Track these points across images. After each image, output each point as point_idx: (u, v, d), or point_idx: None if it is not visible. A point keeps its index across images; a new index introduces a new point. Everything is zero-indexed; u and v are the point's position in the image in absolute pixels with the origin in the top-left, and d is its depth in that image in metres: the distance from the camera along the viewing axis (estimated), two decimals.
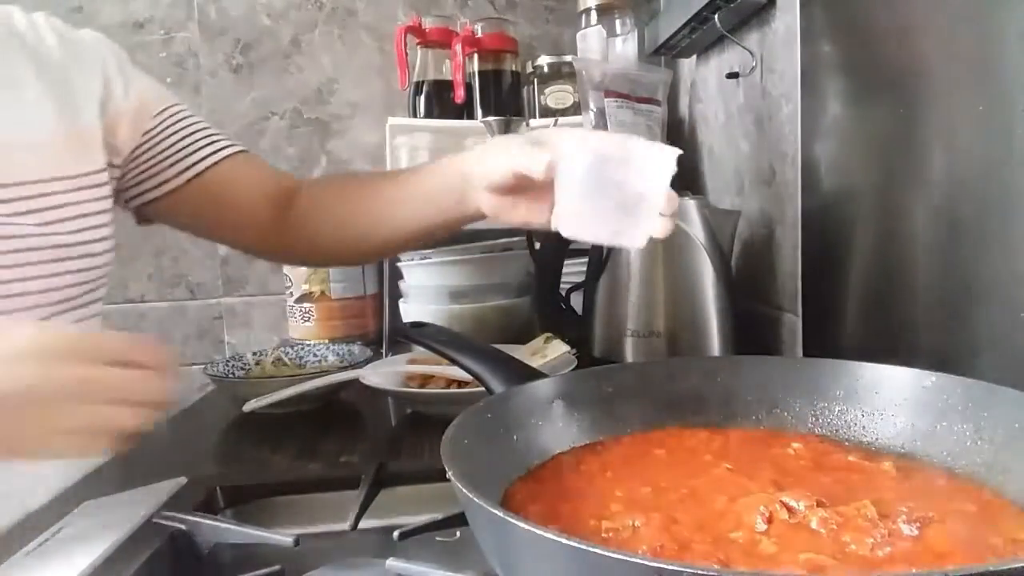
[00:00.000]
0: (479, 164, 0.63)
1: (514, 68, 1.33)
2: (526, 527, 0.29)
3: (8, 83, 0.64)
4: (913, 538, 0.35)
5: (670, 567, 0.26)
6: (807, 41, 0.73)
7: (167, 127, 0.74)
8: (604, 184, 0.53)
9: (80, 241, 0.66)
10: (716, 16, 0.88)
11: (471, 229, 0.74)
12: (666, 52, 1.11)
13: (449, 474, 0.35)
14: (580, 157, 0.53)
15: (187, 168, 0.74)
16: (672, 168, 0.53)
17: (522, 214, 0.61)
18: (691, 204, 0.81)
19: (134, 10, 1.37)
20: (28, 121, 0.64)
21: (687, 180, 1.17)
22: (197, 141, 0.75)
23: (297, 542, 0.44)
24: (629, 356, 0.82)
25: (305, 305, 1.20)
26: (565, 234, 0.56)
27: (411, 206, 0.71)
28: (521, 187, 0.59)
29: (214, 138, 0.76)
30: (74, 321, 0.66)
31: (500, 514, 0.31)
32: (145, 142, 0.73)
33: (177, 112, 0.75)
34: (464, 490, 0.33)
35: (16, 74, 0.65)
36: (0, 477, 0.55)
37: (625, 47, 1.12)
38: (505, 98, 1.31)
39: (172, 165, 0.73)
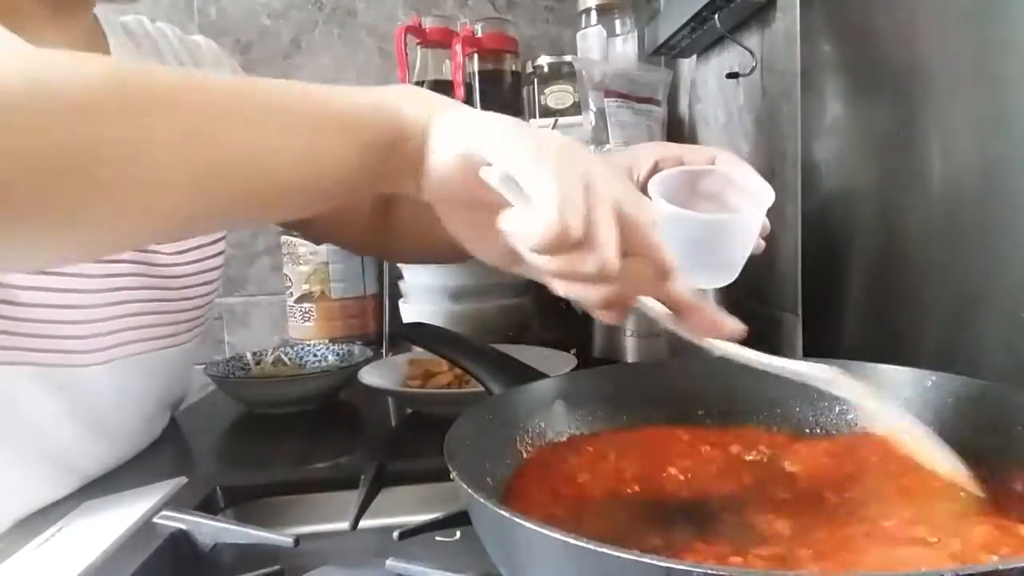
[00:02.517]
0: None
1: (514, 68, 1.33)
2: (533, 527, 0.29)
3: None
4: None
5: (678, 566, 0.26)
6: (807, 41, 0.73)
7: None
8: (699, 250, 0.54)
9: (191, 272, 0.69)
10: (716, 16, 0.88)
11: None
12: (666, 52, 1.11)
13: (453, 474, 0.35)
14: (675, 228, 0.54)
15: None
16: (763, 220, 0.54)
17: None
18: None
19: (134, 10, 1.37)
20: None
21: None
22: None
23: (297, 542, 0.44)
24: (629, 356, 0.82)
25: (305, 305, 1.20)
26: None
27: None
28: None
29: None
30: (169, 358, 0.68)
31: (506, 514, 0.31)
32: None
33: None
34: (468, 489, 0.33)
35: None
36: (0, 477, 0.55)
37: (625, 47, 1.12)
38: (505, 98, 1.31)
39: None
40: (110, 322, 0.61)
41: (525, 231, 0.34)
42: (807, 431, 0.51)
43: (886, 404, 0.43)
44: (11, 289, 0.55)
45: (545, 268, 0.35)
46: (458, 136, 0.38)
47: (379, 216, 0.76)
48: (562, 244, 0.33)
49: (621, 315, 0.39)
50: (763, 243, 0.58)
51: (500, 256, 0.40)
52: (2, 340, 0.55)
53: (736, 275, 0.56)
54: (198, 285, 0.70)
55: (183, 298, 0.68)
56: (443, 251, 0.79)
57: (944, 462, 0.40)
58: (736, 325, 0.41)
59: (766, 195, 0.53)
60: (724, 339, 0.41)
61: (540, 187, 0.34)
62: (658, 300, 0.40)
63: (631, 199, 0.37)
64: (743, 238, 0.54)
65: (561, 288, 0.38)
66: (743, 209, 0.56)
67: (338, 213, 0.76)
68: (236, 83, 0.37)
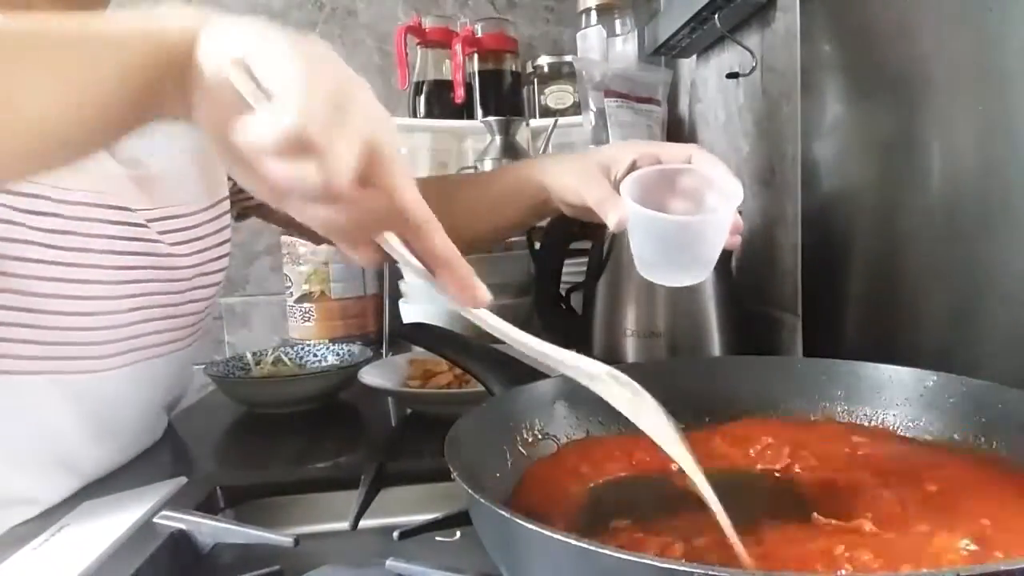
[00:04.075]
0: (557, 181, 0.68)
1: (514, 68, 1.33)
2: (533, 527, 0.29)
3: None
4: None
5: (680, 568, 0.26)
6: (807, 41, 0.73)
7: None
8: (671, 249, 0.55)
9: (199, 273, 0.68)
10: (716, 16, 0.88)
11: None
12: (666, 52, 1.11)
13: (453, 474, 0.35)
14: (646, 228, 0.55)
15: None
16: (735, 216, 0.55)
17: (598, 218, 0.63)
18: None
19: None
20: (163, 147, 0.65)
21: None
22: None
23: (297, 542, 0.44)
24: (629, 356, 0.82)
25: (305, 305, 1.20)
26: (644, 275, 0.58)
27: (493, 210, 0.76)
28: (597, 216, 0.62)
29: None
30: (173, 361, 0.68)
31: (506, 514, 0.31)
32: None
33: None
34: (469, 490, 0.33)
35: None
36: (0, 477, 0.55)
37: (625, 47, 1.13)
38: (505, 98, 1.31)
39: None
40: (126, 328, 0.61)
41: (257, 132, 0.32)
42: (807, 432, 0.50)
43: (645, 414, 0.41)
44: (34, 297, 0.54)
45: (272, 176, 0.33)
46: (222, 43, 0.35)
47: None
48: (294, 145, 0.31)
49: (368, 254, 0.37)
50: (738, 239, 0.59)
51: (256, 182, 0.36)
52: (26, 350, 0.54)
53: (708, 273, 0.56)
54: (204, 287, 0.70)
55: (189, 300, 0.68)
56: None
57: (711, 502, 0.37)
58: (483, 295, 0.38)
59: (737, 194, 0.54)
60: (472, 307, 0.39)
61: (285, 88, 0.32)
62: (413, 250, 0.37)
63: (386, 129, 0.35)
64: (713, 237, 0.54)
65: (297, 210, 0.35)
66: (717, 208, 0.56)
67: None
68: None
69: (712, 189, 0.57)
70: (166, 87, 0.37)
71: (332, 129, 0.32)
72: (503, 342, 0.41)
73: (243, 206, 0.79)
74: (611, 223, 0.60)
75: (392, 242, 0.37)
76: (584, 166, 0.66)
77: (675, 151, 0.62)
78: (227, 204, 0.73)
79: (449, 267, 0.38)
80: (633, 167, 0.61)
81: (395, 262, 0.38)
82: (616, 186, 0.60)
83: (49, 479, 0.58)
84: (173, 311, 0.67)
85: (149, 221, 0.63)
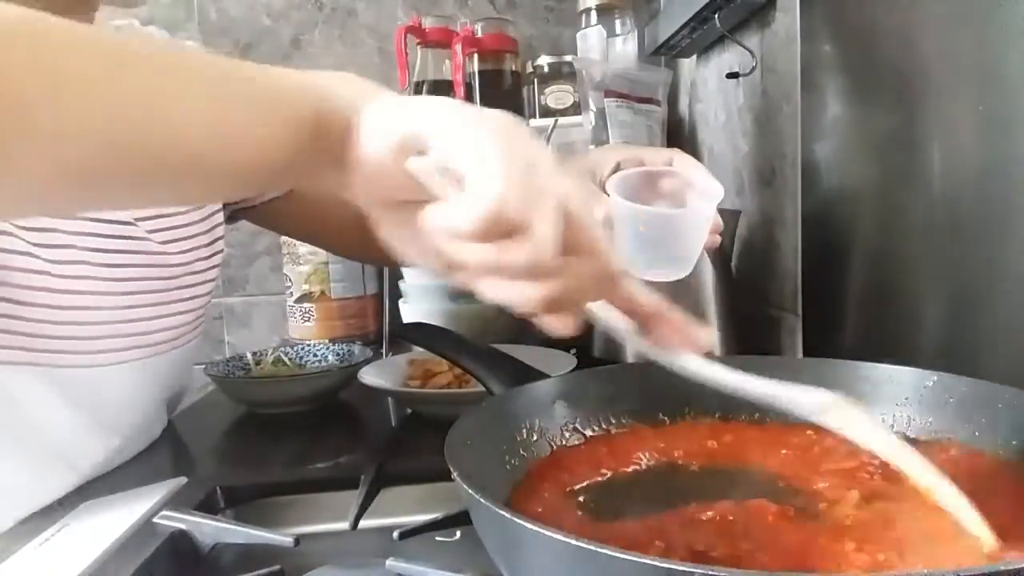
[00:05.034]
0: None
1: (514, 68, 1.33)
2: (534, 528, 0.29)
3: None
4: None
5: (679, 567, 0.26)
6: (807, 41, 0.73)
7: None
8: (654, 244, 0.56)
9: (189, 272, 0.68)
10: (716, 16, 0.88)
11: None
12: (666, 52, 1.11)
13: (454, 475, 0.35)
14: (630, 222, 0.55)
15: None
16: (714, 215, 0.56)
17: None
18: None
19: (132, 13, 1.37)
20: None
21: None
22: None
23: (297, 542, 0.44)
24: (629, 356, 0.82)
25: (305, 305, 1.20)
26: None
27: None
28: None
29: None
30: (170, 359, 0.68)
31: (506, 514, 0.31)
32: None
33: None
34: (469, 490, 0.33)
35: None
36: (1, 477, 0.55)
37: (625, 47, 1.13)
38: (505, 98, 1.31)
39: None
40: (116, 324, 0.62)
41: (453, 219, 0.31)
42: (812, 432, 0.50)
43: (886, 439, 0.38)
44: (14, 288, 0.55)
45: (472, 260, 0.32)
46: (391, 121, 0.34)
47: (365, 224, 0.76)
48: (494, 227, 0.30)
49: (569, 322, 0.35)
50: (717, 238, 0.59)
51: (435, 260, 0.36)
52: (12, 340, 0.54)
53: (690, 269, 0.57)
54: (196, 285, 0.70)
55: (180, 299, 0.68)
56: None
57: (951, 503, 0.35)
58: (707, 336, 0.37)
59: (716, 193, 0.55)
60: (696, 352, 0.37)
61: (479, 167, 0.31)
62: (614, 306, 0.36)
63: (579, 194, 0.34)
64: (694, 232, 0.56)
65: (491, 290, 0.33)
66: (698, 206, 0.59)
67: (324, 225, 0.77)
68: (156, 44, 0.35)
69: (693, 190, 0.58)
70: (322, 152, 0.35)
71: (531, 204, 0.31)
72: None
73: (234, 208, 0.79)
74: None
75: (599, 312, 0.37)
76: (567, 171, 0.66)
77: (657, 154, 0.63)
78: (218, 204, 0.73)
79: (662, 316, 0.37)
80: (617, 169, 0.62)
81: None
82: (601, 186, 0.61)
83: (40, 472, 0.57)
84: (166, 309, 0.67)
85: (137, 220, 0.64)
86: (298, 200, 0.76)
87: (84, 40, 0.31)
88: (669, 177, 0.59)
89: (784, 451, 0.47)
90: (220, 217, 0.73)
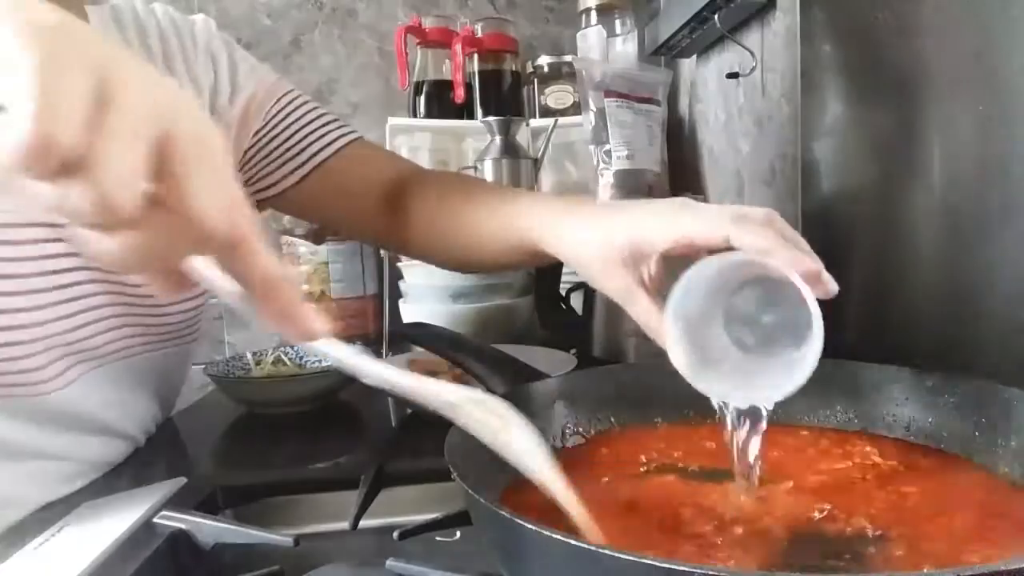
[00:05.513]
0: (569, 249, 0.52)
1: (514, 68, 1.33)
2: (533, 527, 0.29)
3: None
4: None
5: (679, 567, 0.26)
6: (807, 41, 0.73)
7: (275, 124, 0.71)
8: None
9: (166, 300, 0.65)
10: (716, 16, 0.88)
11: None
12: (666, 52, 1.11)
13: (454, 475, 0.35)
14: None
15: (298, 167, 0.71)
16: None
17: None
18: None
19: None
20: None
21: (687, 180, 1.17)
22: (307, 137, 0.71)
23: (297, 542, 0.44)
24: (629, 356, 0.82)
25: None
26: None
27: (482, 246, 0.63)
28: None
29: (324, 131, 0.72)
30: (156, 361, 0.66)
31: (506, 514, 0.31)
32: (256, 143, 0.71)
33: (286, 104, 0.72)
34: (469, 490, 0.33)
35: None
36: (1, 477, 0.55)
37: (625, 47, 1.13)
38: (505, 98, 1.31)
39: (281, 166, 0.71)
40: (73, 345, 0.58)
41: None
42: (807, 432, 0.51)
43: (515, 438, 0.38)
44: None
45: (38, 199, 0.25)
46: None
47: (389, 206, 0.72)
48: (41, 157, 0.23)
49: (169, 282, 0.30)
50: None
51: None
52: None
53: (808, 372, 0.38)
54: (175, 302, 0.66)
55: (159, 314, 0.65)
56: (452, 262, 0.71)
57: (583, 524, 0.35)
58: (322, 325, 0.32)
59: (817, 317, 0.37)
60: (301, 341, 0.33)
61: (14, 87, 0.23)
62: (230, 273, 0.30)
63: (190, 125, 0.27)
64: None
65: (82, 242, 0.26)
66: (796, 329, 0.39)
67: (343, 209, 0.74)
68: None
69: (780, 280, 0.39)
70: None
71: (95, 131, 0.24)
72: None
73: (257, 198, 0.74)
74: (642, 321, 0.47)
75: (201, 269, 0.31)
76: (604, 242, 0.48)
77: (712, 226, 0.44)
78: None
79: (269, 293, 0.30)
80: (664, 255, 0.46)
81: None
82: (647, 285, 0.47)
83: (31, 482, 0.57)
84: (136, 320, 0.63)
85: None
86: (321, 185, 0.72)
87: None
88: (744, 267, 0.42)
89: (779, 452, 0.47)
90: None
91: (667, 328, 0.42)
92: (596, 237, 0.49)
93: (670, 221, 0.46)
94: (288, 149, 0.71)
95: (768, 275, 0.40)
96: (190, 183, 0.26)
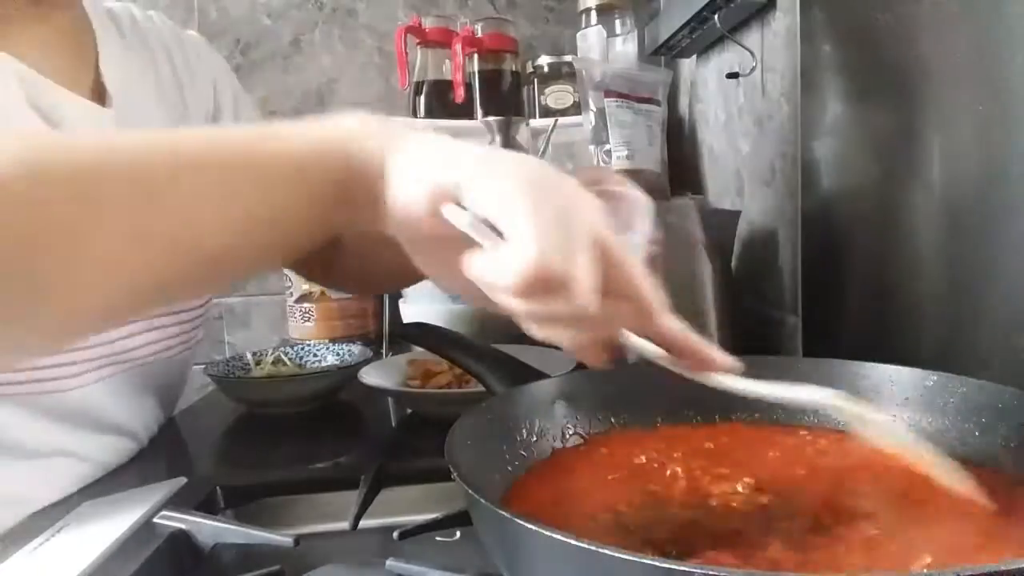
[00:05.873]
0: None
1: (514, 68, 1.33)
2: (534, 528, 0.29)
3: (129, 86, 0.63)
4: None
5: (679, 568, 0.26)
6: (807, 41, 0.73)
7: None
8: None
9: None
10: (716, 16, 0.88)
11: None
12: (666, 52, 1.11)
13: (453, 474, 0.35)
14: None
15: None
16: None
17: None
18: (691, 204, 0.81)
19: None
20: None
21: (687, 180, 1.16)
22: None
23: (297, 542, 0.44)
24: (629, 356, 0.82)
25: (305, 305, 1.20)
26: None
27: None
28: None
29: None
30: (166, 365, 0.68)
31: (506, 514, 0.31)
32: None
33: None
34: (469, 490, 0.33)
35: (133, 78, 0.64)
36: (1, 477, 0.55)
37: (625, 47, 1.12)
38: (505, 98, 1.31)
39: None
40: (101, 347, 0.60)
41: (496, 273, 0.31)
42: (806, 432, 0.50)
43: (890, 425, 0.41)
44: None
45: (517, 311, 0.33)
46: (419, 175, 0.34)
47: (322, 249, 0.76)
48: (538, 288, 0.30)
49: (601, 356, 0.37)
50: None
51: (471, 293, 0.36)
52: None
53: None
54: (186, 308, 0.69)
55: (179, 309, 0.68)
56: (382, 286, 0.83)
57: (954, 479, 0.38)
58: (730, 362, 0.38)
59: (646, 207, 0.52)
60: (720, 373, 0.39)
61: (515, 227, 0.31)
62: (646, 338, 0.38)
63: (612, 234, 0.34)
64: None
65: (535, 331, 0.35)
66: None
67: (365, 264, 0.76)
68: (166, 145, 0.33)
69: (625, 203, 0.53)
70: (354, 209, 0.36)
71: (568, 258, 0.31)
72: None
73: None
74: None
75: (633, 340, 0.38)
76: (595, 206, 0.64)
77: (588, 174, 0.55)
78: None
79: (691, 347, 0.37)
80: None
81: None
82: None
83: (36, 476, 0.57)
84: (160, 321, 0.66)
85: None
86: (339, 254, 0.74)
87: (92, 178, 0.30)
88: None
89: (777, 453, 0.47)
90: None
91: None
92: None
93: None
94: None
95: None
96: (632, 270, 0.34)
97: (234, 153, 0.34)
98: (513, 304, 0.32)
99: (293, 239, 0.36)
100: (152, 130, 0.59)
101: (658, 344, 0.38)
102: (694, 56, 1.15)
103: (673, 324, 0.37)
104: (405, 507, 0.52)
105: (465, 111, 1.30)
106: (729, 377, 0.39)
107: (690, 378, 0.39)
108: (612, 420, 0.52)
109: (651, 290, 0.35)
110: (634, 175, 1.02)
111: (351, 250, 0.74)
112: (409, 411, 0.80)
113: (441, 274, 0.39)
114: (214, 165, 0.33)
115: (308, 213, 0.35)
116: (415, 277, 0.76)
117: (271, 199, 0.34)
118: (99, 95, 0.62)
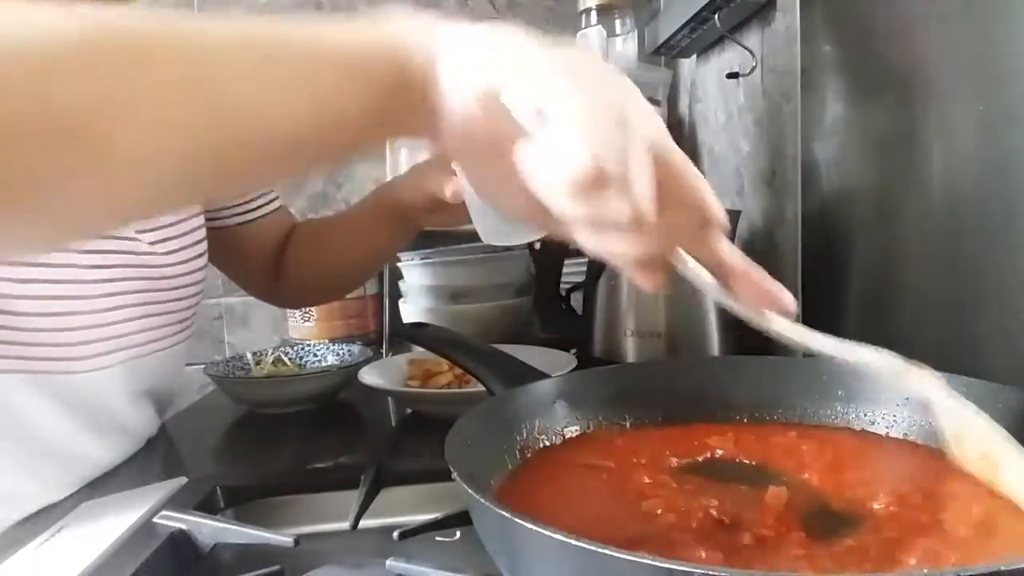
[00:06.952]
0: (403, 187, 0.76)
1: None
2: (533, 527, 0.29)
3: None
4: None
5: (680, 567, 0.26)
6: (807, 41, 0.73)
7: None
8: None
9: (182, 272, 0.69)
10: (716, 16, 0.88)
11: (470, 229, 0.74)
12: (666, 52, 1.11)
13: (454, 475, 0.35)
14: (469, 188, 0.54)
15: (231, 216, 0.80)
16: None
17: (455, 220, 0.69)
18: None
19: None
20: None
21: None
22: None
23: (297, 542, 0.44)
24: (629, 356, 0.82)
25: None
26: (486, 241, 0.61)
27: (366, 240, 0.82)
28: (445, 203, 0.69)
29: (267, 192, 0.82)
30: (159, 359, 0.69)
31: (506, 514, 0.31)
32: None
33: None
34: (469, 490, 0.33)
35: None
36: (1, 477, 0.55)
37: (625, 47, 1.12)
38: None
39: (220, 209, 0.79)
40: (107, 328, 0.61)
41: (551, 169, 0.30)
42: (806, 432, 0.51)
43: (959, 401, 0.38)
44: (8, 299, 0.54)
45: (572, 214, 0.31)
46: (473, 72, 0.33)
47: (273, 266, 0.84)
48: (593, 184, 0.29)
49: (658, 278, 0.34)
50: None
51: (526, 208, 0.34)
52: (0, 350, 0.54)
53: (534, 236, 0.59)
54: (187, 286, 0.70)
55: (174, 299, 0.68)
56: (325, 295, 0.94)
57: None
58: (789, 300, 0.36)
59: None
60: (777, 312, 0.36)
61: (570, 120, 0.30)
62: (700, 261, 0.35)
63: (668, 139, 0.32)
64: None
65: (590, 241, 0.32)
66: None
67: (245, 266, 0.84)
68: (226, 29, 0.32)
69: None
70: (407, 109, 0.35)
71: (625, 154, 0.30)
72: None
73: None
74: (448, 194, 0.67)
75: (688, 260, 0.35)
76: (420, 165, 0.75)
77: None
78: (198, 208, 0.73)
79: (748, 274, 0.35)
80: None
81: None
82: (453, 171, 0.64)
83: (37, 474, 0.57)
84: (157, 308, 0.67)
85: None
86: (231, 237, 0.80)
87: (149, 52, 0.30)
88: None
89: (779, 451, 0.47)
90: (202, 219, 0.73)
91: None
92: (413, 169, 0.77)
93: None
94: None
95: None
96: (689, 173, 0.33)
97: (294, 39, 0.33)
98: (567, 207, 0.30)
99: (346, 136, 0.35)
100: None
101: (713, 271, 0.36)
102: (694, 56, 1.15)
103: (727, 245, 0.35)
104: (405, 507, 0.52)
105: None
106: (785, 322, 0.36)
107: (742, 316, 0.36)
108: (612, 420, 0.52)
109: (714, 201, 0.33)
110: None
111: (306, 244, 0.84)
112: (409, 411, 0.80)
113: (496, 189, 0.38)
114: (270, 48, 0.33)
115: (363, 106, 0.34)
116: (373, 266, 0.92)
117: (326, 88, 0.33)
118: None
